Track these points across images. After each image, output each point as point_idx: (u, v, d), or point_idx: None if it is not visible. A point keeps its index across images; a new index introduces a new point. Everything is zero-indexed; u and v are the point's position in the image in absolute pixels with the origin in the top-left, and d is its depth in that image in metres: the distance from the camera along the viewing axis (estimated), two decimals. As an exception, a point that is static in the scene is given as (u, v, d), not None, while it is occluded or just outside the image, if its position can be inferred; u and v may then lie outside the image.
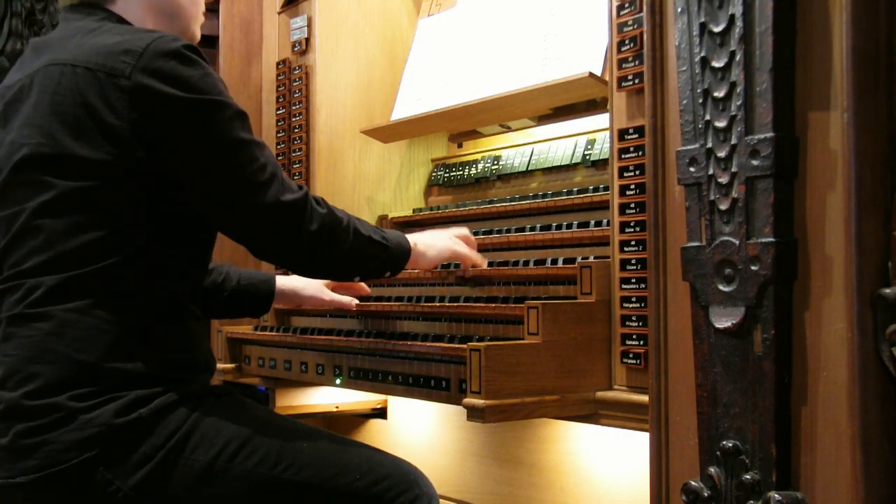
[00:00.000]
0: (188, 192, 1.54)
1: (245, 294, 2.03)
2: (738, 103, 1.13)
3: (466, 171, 2.60)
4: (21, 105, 1.56)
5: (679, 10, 1.21)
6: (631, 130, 1.67)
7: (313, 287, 2.10)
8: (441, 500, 1.69)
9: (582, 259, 1.81)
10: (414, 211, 2.62)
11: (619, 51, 1.69)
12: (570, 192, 2.13)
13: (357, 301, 2.14)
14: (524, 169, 2.41)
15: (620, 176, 1.69)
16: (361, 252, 1.72)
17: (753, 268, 1.12)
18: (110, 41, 1.52)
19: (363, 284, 2.18)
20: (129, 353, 1.48)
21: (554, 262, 1.88)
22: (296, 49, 2.72)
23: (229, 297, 2.00)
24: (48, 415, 1.42)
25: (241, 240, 1.64)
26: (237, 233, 1.62)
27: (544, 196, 2.20)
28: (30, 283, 1.48)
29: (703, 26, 1.18)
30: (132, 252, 1.51)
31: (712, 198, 1.17)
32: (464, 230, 2.05)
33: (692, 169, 1.19)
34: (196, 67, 1.51)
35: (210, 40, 3.10)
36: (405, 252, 1.85)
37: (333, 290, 2.15)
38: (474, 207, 2.35)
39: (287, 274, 2.17)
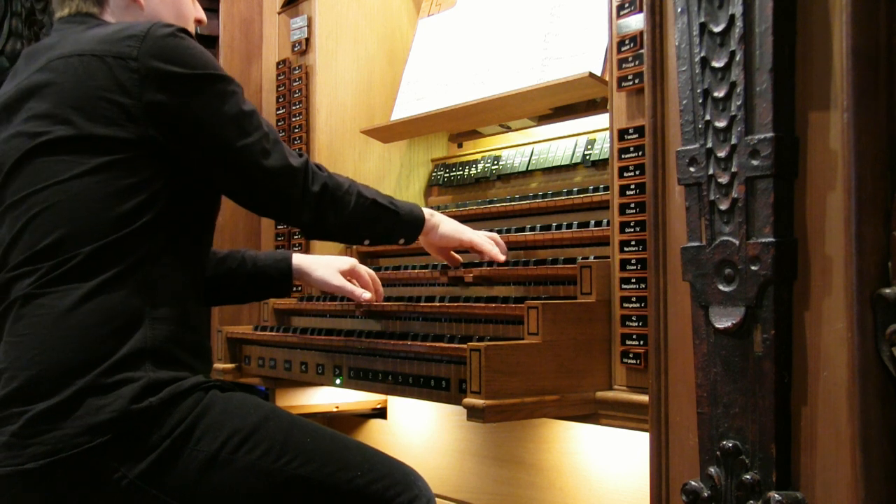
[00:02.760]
0: (202, 163, 1.61)
1: (263, 275, 2.03)
2: (738, 103, 1.13)
3: (466, 171, 2.60)
4: (23, 104, 1.59)
5: (679, 10, 1.21)
6: (631, 130, 1.67)
7: (325, 270, 2.06)
8: (441, 500, 1.69)
9: (582, 259, 1.81)
10: (414, 211, 2.62)
11: (619, 51, 1.69)
12: (570, 192, 2.13)
13: (369, 294, 2.09)
14: (524, 169, 2.41)
15: (620, 176, 1.69)
16: (365, 213, 1.81)
17: (753, 268, 1.12)
18: (109, 30, 1.60)
19: (379, 284, 2.15)
20: (142, 328, 1.50)
21: (554, 262, 1.88)
22: (296, 49, 2.73)
23: (248, 280, 2.00)
24: (60, 396, 1.43)
25: (251, 204, 1.76)
26: (249, 198, 1.72)
27: (544, 196, 2.19)
28: (45, 264, 1.50)
29: (703, 26, 1.18)
30: (144, 229, 1.54)
31: (712, 198, 1.17)
32: (493, 235, 2.04)
33: (692, 169, 1.19)
34: (194, 47, 1.61)
35: (210, 40, 3.10)
36: (417, 219, 1.92)
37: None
38: (474, 207, 2.35)
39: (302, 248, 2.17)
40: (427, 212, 1.95)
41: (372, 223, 1.83)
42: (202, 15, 1.90)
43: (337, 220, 1.76)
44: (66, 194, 1.52)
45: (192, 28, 1.85)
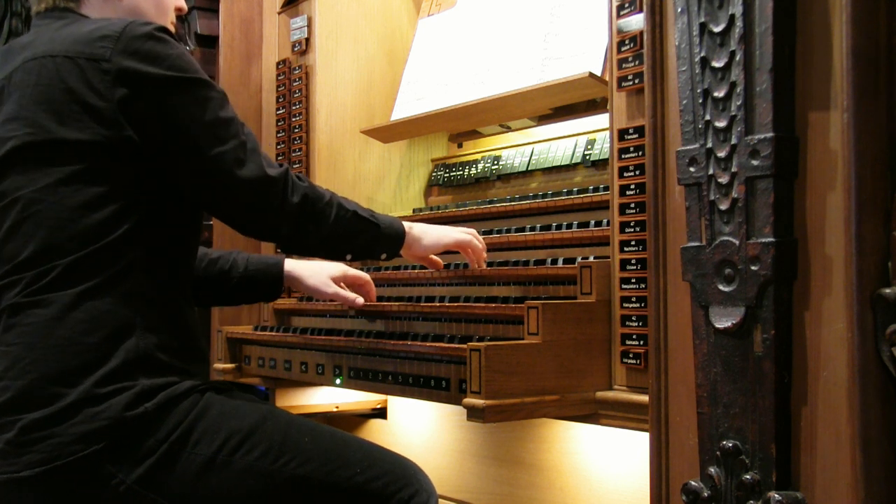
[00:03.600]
0: (175, 170, 1.57)
1: (254, 279, 2.02)
2: (738, 103, 1.13)
3: (466, 171, 2.60)
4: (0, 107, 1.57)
5: (679, 10, 1.21)
6: (631, 130, 1.67)
7: (318, 278, 2.06)
8: (441, 500, 1.69)
9: (582, 259, 1.81)
10: (414, 211, 2.62)
11: (619, 51, 1.69)
12: (570, 192, 2.13)
13: (362, 300, 2.10)
14: (524, 169, 2.41)
15: (620, 176, 1.69)
16: (346, 226, 1.73)
17: (753, 268, 1.12)
18: (84, 30, 1.56)
19: (371, 286, 2.15)
20: (132, 337, 1.49)
21: (554, 262, 1.88)
22: (296, 49, 2.73)
23: (238, 283, 2.00)
24: (55, 405, 1.42)
25: (227, 217, 1.67)
26: (223, 209, 1.65)
27: (544, 196, 2.19)
28: (28, 274, 1.49)
29: (703, 26, 1.18)
30: (128, 235, 1.52)
31: (712, 198, 1.17)
32: (471, 230, 2.02)
33: (692, 169, 1.19)
34: (172, 47, 1.56)
35: (210, 40, 3.10)
36: (397, 233, 1.85)
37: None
38: (474, 207, 2.35)
39: (292, 257, 2.15)
40: (406, 225, 1.89)
41: (353, 237, 1.77)
42: (182, 3, 1.84)
43: (318, 234, 1.69)
44: (41, 204, 1.50)
45: (172, 17, 1.81)
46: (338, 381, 2.09)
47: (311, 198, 1.67)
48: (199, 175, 1.58)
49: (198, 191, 1.61)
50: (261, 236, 1.82)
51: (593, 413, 1.70)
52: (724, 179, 1.15)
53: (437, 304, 2.00)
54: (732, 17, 1.14)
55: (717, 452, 1.18)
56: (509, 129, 2.52)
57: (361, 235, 1.78)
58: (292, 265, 2.06)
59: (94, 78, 1.50)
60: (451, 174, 2.66)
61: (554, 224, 2.03)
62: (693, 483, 1.20)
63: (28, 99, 1.53)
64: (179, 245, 1.64)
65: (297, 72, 2.71)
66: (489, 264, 2.02)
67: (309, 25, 2.69)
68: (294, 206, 1.64)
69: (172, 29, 1.80)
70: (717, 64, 1.16)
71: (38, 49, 1.56)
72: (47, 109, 1.51)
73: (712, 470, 1.18)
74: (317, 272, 2.07)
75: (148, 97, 1.52)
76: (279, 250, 2.68)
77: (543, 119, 2.39)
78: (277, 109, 2.79)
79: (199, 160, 1.56)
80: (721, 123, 1.15)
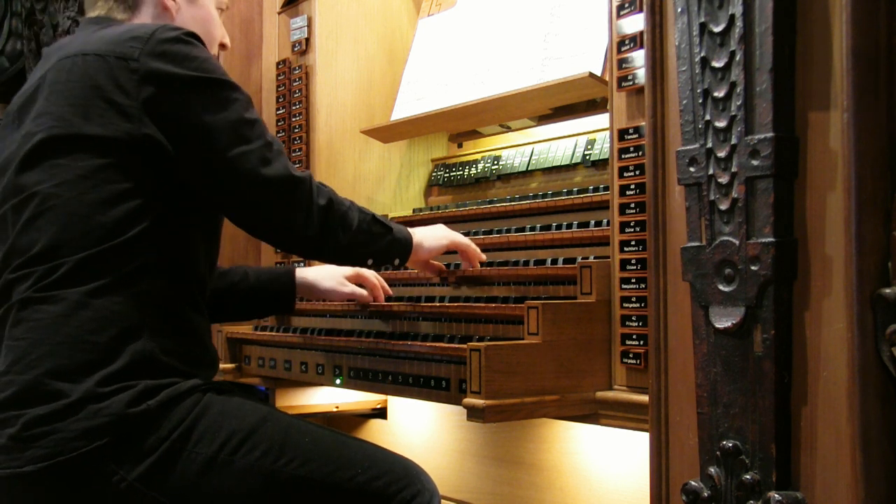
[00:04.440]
0: (198, 171, 1.57)
1: (265, 291, 2.01)
2: (738, 103, 1.13)
3: (466, 171, 2.60)
4: (33, 104, 1.60)
5: (679, 10, 1.21)
6: (631, 130, 1.67)
7: (332, 280, 2.06)
8: (441, 500, 1.69)
9: (582, 259, 1.81)
10: (414, 211, 2.62)
11: (619, 51, 1.69)
12: (570, 192, 2.13)
13: (381, 291, 2.10)
14: (524, 169, 2.41)
15: (620, 176, 1.69)
16: (368, 230, 1.74)
17: (753, 268, 1.12)
18: (117, 31, 1.59)
19: (383, 285, 2.14)
20: (139, 339, 1.49)
21: (554, 262, 1.88)
22: (296, 49, 2.73)
23: (249, 295, 1.99)
24: (58, 402, 1.43)
25: (251, 220, 1.65)
26: (248, 212, 1.63)
27: (544, 196, 2.19)
28: (40, 268, 1.49)
29: (703, 26, 1.18)
30: (142, 235, 1.52)
31: (712, 198, 1.17)
32: (460, 235, 2.04)
33: (692, 169, 1.19)
34: (200, 51, 1.58)
35: (210, 40, 3.09)
36: (406, 237, 1.87)
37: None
38: (474, 207, 2.35)
39: (303, 264, 2.14)
40: (409, 230, 1.90)
41: (374, 241, 1.77)
42: (227, 41, 1.89)
43: (344, 238, 1.69)
44: (59, 199, 1.51)
45: (215, 50, 1.84)
46: (338, 382, 2.09)
47: (335, 202, 1.68)
48: (223, 175, 1.57)
49: (222, 192, 1.60)
50: (286, 238, 1.72)
51: (593, 413, 1.70)
52: (724, 179, 1.15)
53: (438, 304, 2.00)
54: (732, 17, 1.14)
55: (717, 452, 1.18)
56: (509, 129, 2.52)
57: (381, 240, 1.79)
58: (303, 273, 2.05)
59: (121, 76, 1.52)
60: (451, 174, 2.66)
61: (554, 224, 2.03)
62: (693, 483, 1.20)
63: (58, 95, 1.55)
64: (194, 249, 1.63)
65: (297, 72, 2.71)
66: (489, 264, 2.02)
67: (309, 25, 2.69)
68: (322, 208, 1.64)
69: (220, 40, 1.85)
70: (717, 64, 1.16)
71: (72, 48, 1.59)
72: (73, 104, 1.53)
73: (712, 470, 1.18)
74: (330, 275, 2.07)
75: (174, 97, 1.53)
76: (279, 252, 2.68)
77: (543, 119, 2.39)
78: (277, 109, 2.79)
79: (222, 159, 1.55)
80: (721, 123, 1.15)
